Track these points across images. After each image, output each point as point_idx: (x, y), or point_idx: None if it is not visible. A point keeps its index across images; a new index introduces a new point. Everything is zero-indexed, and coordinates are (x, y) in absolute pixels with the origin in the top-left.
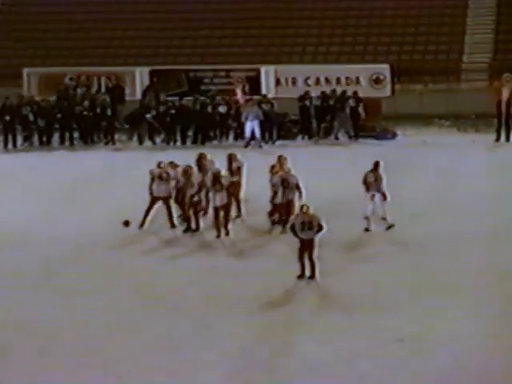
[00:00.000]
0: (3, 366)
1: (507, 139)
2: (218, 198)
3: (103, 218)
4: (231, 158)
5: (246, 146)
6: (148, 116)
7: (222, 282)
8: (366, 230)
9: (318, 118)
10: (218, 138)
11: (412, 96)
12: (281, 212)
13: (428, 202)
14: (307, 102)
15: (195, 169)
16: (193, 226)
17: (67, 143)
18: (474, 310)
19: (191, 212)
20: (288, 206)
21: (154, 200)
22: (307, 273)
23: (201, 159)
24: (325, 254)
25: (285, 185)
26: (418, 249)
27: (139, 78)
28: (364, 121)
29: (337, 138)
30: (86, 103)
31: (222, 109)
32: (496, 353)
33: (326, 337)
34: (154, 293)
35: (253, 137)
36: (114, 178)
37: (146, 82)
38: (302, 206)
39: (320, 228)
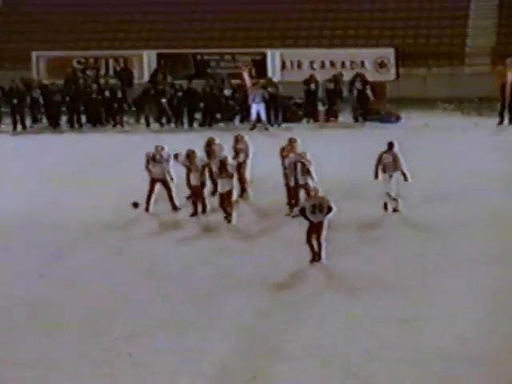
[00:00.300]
0: (16, 345)
1: (510, 122)
2: (224, 185)
3: (112, 199)
4: (238, 140)
5: (252, 128)
6: (163, 100)
7: (226, 262)
8: (386, 208)
9: (330, 101)
10: (224, 121)
11: (416, 80)
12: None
13: (434, 185)
14: (312, 86)
15: (200, 153)
16: (199, 209)
17: (76, 125)
18: (476, 292)
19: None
20: (297, 190)
21: (152, 181)
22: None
23: (210, 144)
24: (331, 235)
25: (296, 168)
26: (425, 231)
27: (147, 61)
28: (370, 103)
29: (356, 120)
30: (95, 86)
31: (228, 92)
32: (495, 335)
33: (330, 316)
34: (161, 274)
35: (258, 119)
36: (123, 160)
37: (154, 65)
38: (309, 189)
39: (329, 210)
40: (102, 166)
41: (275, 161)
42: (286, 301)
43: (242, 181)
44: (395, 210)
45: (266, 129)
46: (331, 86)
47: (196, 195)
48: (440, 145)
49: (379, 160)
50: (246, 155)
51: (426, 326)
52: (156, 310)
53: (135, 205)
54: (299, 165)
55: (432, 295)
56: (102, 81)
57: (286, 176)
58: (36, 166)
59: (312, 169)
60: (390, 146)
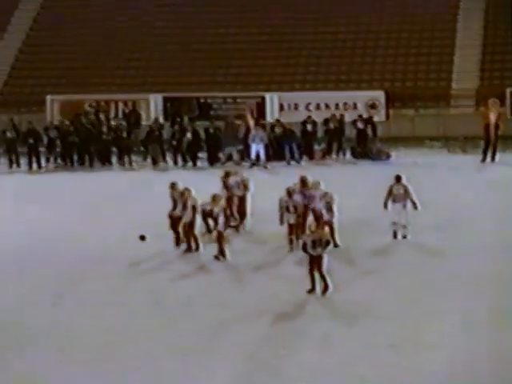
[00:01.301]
0: (27, 371)
1: (492, 159)
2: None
3: (120, 234)
4: (228, 175)
5: (251, 166)
6: (188, 137)
7: (227, 293)
8: (395, 236)
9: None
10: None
11: (405, 120)
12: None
13: (427, 217)
14: (309, 126)
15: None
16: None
17: (87, 164)
18: (466, 317)
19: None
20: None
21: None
22: (318, 287)
23: (226, 177)
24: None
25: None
26: (419, 259)
27: (153, 104)
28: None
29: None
30: (105, 128)
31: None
32: (483, 358)
33: (325, 343)
34: (165, 305)
35: (258, 158)
36: (131, 196)
37: (160, 108)
38: (310, 225)
39: (327, 244)
40: (112, 202)
41: (273, 196)
42: (284, 329)
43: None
44: (404, 237)
45: (265, 167)
46: (331, 125)
47: (187, 232)
48: (428, 180)
49: (389, 192)
50: (246, 189)
51: (418, 350)
52: (161, 340)
53: (142, 238)
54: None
55: (423, 321)
56: (112, 122)
57: (282, 214)
58: (49, 201)
59: (335, 207)
60: (398, 178)
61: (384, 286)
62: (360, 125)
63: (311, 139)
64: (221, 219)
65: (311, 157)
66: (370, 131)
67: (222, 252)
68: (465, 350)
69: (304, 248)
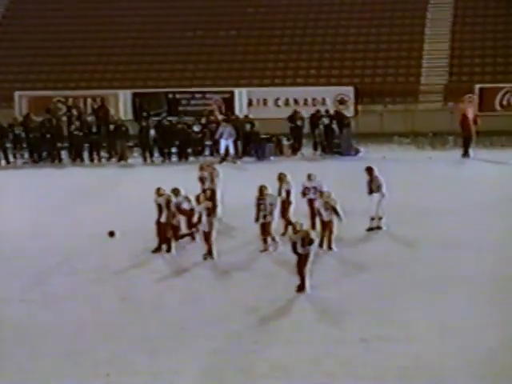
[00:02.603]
0: (1, 369)
1: (464, 155)
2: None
3: (89, 229)
4: (203, 168)
5: (221, 161)
6: (152, 133)
7: (196, 289)
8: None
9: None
10: (194, 155)
11: (373, 116)
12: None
13: (397, 211)
14: (298, 122)
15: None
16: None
17: (56, 161)
18: (434, 312)
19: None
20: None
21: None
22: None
23: (201, 170)
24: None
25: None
26: (389, 252)
27: (123, 99)
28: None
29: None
30: (77, 123)
31: (197, 128)
32: (450, 353)
33: (295, 338)
34: (136, 299)
35: (227, 153)
36: (100, 192)
37: (129, 104)
38: (295, 224)
39: (311, 242)
40: (80, 199)
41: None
42: (255, 325)
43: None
44: (379, 228)
45: (235, 162)
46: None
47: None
48: (397, 175)
49: (369, 181)
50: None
51: (386, 345)
52: (131, 334)
53: (111, 234)
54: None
55: (393, 316)
56: (85, 118)
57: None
58: (20, 197)
59: (339, 207)
60: (370, 170)
61: (355, 281)
62: (326, 120)
63: (301, 135)
64: (204, 219)
65: (281, 152)
66: (335, 126)
67: (209, 252)
68: (433, 345)
69: (294, 247)
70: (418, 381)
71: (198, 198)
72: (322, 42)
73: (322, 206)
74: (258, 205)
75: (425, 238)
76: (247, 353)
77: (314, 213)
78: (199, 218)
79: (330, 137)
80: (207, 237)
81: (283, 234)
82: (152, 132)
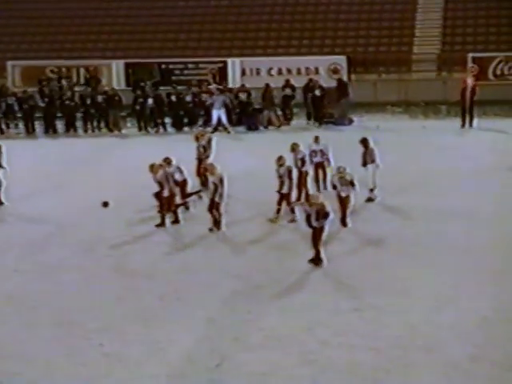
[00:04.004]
0: None
1: (470, 125)
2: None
3: (84, 199)
4: (198, 138)
5: (213, 131)
6: (150, 102)
7: (190, 259)
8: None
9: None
10: (188, 125)
11: (367, 85)
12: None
13: (391, 180)
14: (287, 91)
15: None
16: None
17: (50, 131)
18: (427, 282)
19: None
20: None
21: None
22: (310, 256)
23: (197, 140)
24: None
25: (290, 176)
26: (385, 222)
27: (115, 69)
28: (325, 107)
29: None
30: (69, 93)
31: (189, 98)
32: (445, 323)
33: (288, 307)
34: (130, 269)
35: (219, 123)
36: (94, 162)
37: (122, 74)
38: (311, 196)
39: (327, 215)
40: (74, 169)
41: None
42: (248, 294)
43: (201, 174)
44: (371, 199)
45: (228, 132)
46: (287, 91)
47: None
48: (391, 145)
49: (364, 153)
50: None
51: (381, 315)
52: (125, 304)
53: (105, 204)
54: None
55: (386, 285)
56: (76, 88)
57: (280, 183)
58: (13, 167)
59: (355, 180)
60: (365, 141)
61: (348, 252)
62: (317, 92)
63: (290, 103)
64: (219, 189)
65: (272, 123)
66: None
67: (217, 223)
68: (427, 314)
69: (308, 220)
70: (412, 350)
71: (208, 169)
72: (314, 12)
73: (338, 181)
74: (279, 176)
75: (421, 207)
76: (241, 322)
77: (318, 177)
78: (215, 189)
79: (319, 107)
80: (217, 207)
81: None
82: (150, 101)
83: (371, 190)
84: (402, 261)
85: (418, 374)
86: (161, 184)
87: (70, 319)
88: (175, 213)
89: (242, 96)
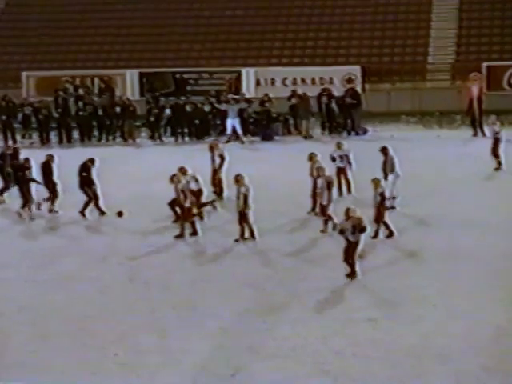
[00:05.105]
0: (5, 347)
1: (483, 134)
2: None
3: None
4: (212, 147)
5: (227, 141)
6: (167, 112)
7: (205, 268)
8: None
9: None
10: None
11: (381, 95)
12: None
13: (408, 190)
14: (293, 101)
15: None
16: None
17: (64, 141)
18: (440, 292)
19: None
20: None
21: None
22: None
23: (211, 150)
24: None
25: (330, 187)
26: (399, 232)
27: (129, 79)
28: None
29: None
30: (81, 104)
31: (207, 108)
32: (459, 333)
33: (303, 318)
34: (144, 279)
35: (233, 133)
36: (108, 172)
37: (136, 84)
38: (348, 209)
39: (363, 230)
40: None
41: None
42: (263, 303)
43: (216, 184)
44: (393, 208)
45: (242, 142)
46: (294, 101)
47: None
48: (406, 154)
49: (384, 163)
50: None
51: (394, 324)
52: (139, 314)
53: (120, 214)
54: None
55: (401, 295)
56: (95, 98)
57: (319, 195)
58: None
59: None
60: (385, 149)
61: (364, 260)
62: (325, 100)
63: (298, 113)
64: (249, 200)
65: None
66: (334, 105)
67: (252, 234)
68: (441, 324)
69: (342, 233)
70: (426, 360)
71: (237, 180)
72: (329, 22)
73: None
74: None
75: (435, 216)
76: (256, 332)
77: (340, 183)
78: (245, 200)
79: (332, 117)
80: (247, 218)
81: (315, 214)
82: (168, 111)
83: (391, 199)
84: (415, 270)
85: None
86: (183, 193)
87: (84, 329)
88: (193, 224)
89: (268, 106)
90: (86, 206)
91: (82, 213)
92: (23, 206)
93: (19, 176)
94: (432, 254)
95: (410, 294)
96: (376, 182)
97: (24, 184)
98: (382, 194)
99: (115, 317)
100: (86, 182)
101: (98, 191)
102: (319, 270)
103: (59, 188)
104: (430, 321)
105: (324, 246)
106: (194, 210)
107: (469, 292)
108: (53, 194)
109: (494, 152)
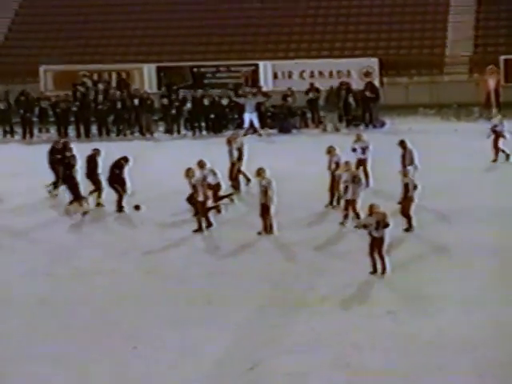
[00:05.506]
0: (29, 341)
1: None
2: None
3: (115, 203)
4: (230, 141)
5: (245, 134)
6: (188, 105)
7: (222, 262)
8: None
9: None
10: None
11: (399, 88)
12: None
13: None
14: (311, 95)
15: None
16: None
17: (83, 135)
18: (461, 285)
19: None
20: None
21: None
22: (379, 268)
23: (229, 143)
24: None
25: (356, 181)
26: (418, 226)
27: (147, 73)
28: (355, 110)
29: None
30: (101, 97)
31: (224, 101)
32: (479, 327)
33: (320, 311)
34: (161, 273)
35: (251, 126)
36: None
37: (154, 78)
38: (372, 205)
39: (387, 225)
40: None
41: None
42: (281, 298)
43: (233, 178)
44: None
45: (259, 135)
46: (311, 95)
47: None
48: (424, 146)
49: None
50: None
51: (413, 317)
52: (158, 307)
53: (137, 207)
54: (358, 178)
55: (418, 289)
56: (118, 92)
57: (345, 189)
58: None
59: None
60: (403, 143)
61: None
62: (344, 93)
63: (317, 106)
64: (270, 192)
65: (306, 125)
66: (351, 99)
67: (268, 227)
68: (459, 318)
69: (365, 228)
70: (446, 352)
71: (259, 173)
72: (347, 14)
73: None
74: (344, 181)
75: (452, 209)
76: (274, 326)
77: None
78: (265, 192)
79: (349, 110)
80: (268, 211)
81: (333, 207)
82: (189, 105)
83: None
84: (432, 263)
85: (452, 376)
86: (195, 188)
87: (103, 322)
88: (207, 216)
89: (290, 100)
90: (120, 201)
91: (120, 208)
92: (72, 202)
93: (66, 173)
94: (452, 246)
95: (428, 287)
96: (404, 173)
97: (71, 180)
98: (406, 186)
99: (134, 310)
100: (117, 179)
101: (128, 189)
102: (337, 263)
103: (103, 182)
104: (450, 313)
105: (343, 240)
106: (209, 203)
107: (489, 284)
108: (97, 188)
109: (495, 145)
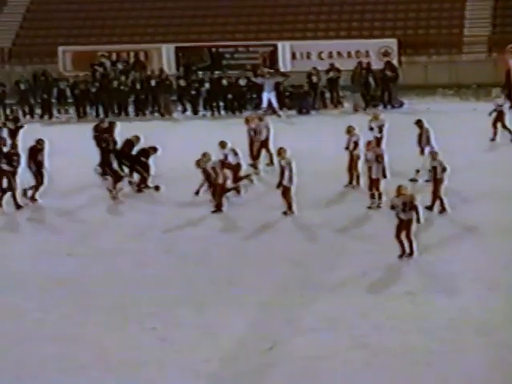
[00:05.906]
0: (48, 320)
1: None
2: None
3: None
4: (249, 120)
5: (263, 115)
6: (206, 85)
7: (243, 242)
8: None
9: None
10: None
11: (417, 67)
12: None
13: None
14: (331, 74)
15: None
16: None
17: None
18: (481, 265)
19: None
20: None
21: None
22: (407, 250)
23: (248, 123)
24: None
25: (379, 160)
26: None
27: (166, 54)
28: (374, 90)
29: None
30: (123, 78)
31: (242, 82)
32: (497, 306)
33: (340, 292)
34: (181, 253)
35: (269, 106)
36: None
37: (172, 58)
38: (400, 186)
39: (415, 208)
40: None
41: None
42: (301, 278)
43: (254, 157)
44: (428, 181)
45: (278, 115)
46: (331, 74)
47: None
48: (442, 127)
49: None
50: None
51: (432, 298)
52: (177, 288)
53: (157, 188)
54: (381, 157)
55: (437, 269)
56: (133, 73)
57: (369, 168)
58: (65, 154)
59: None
60: (420, 122)
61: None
62: (364, 73)
63: (337, 86)
64: (287, 174)
65: (325, 105)
66: (371, 80)
67: (290, 207)
68: (479, 298)
69: (393, 209)
70: (465, 333)
71: (279, 153)
72: None
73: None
74: (367, 160)
75: (471, 189)
76: (294, 306)
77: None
78: (282, 173)
79: (368, 90)
80: (288, 192)
81: (353, 187)
82: (207, 85)
83: (427, 170)
84: (453, 243)
85: (471, 357)
86: (214, 171)
87: (122, 303)
88: (220, 200)
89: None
90: (143, 183)
91: (143, 188)
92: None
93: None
94: (467, 227)
95: (447, 268)
96: (433, 155)
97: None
98: (434, 169)
99: (153, 290)
100: (143, 166)
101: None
102: (358, 243)
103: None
104: (469, 294)
105: (363, 220)
106: (229, 184)
107: (505, 265)
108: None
109: (495, 124)
